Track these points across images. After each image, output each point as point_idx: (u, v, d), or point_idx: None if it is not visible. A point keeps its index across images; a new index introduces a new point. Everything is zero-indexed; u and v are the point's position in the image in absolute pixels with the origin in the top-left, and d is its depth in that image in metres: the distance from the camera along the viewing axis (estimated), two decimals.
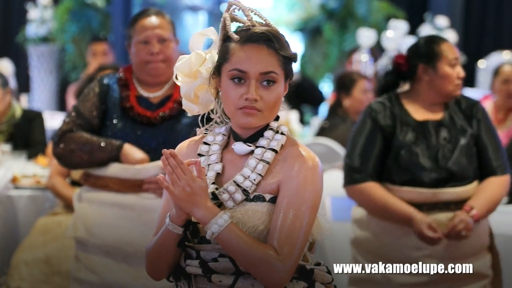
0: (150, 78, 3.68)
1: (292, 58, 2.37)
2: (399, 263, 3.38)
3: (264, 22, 2.37)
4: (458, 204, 3.67)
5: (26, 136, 6.27)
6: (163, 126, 3.62)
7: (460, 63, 3.79)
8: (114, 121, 3.64)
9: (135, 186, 3.59)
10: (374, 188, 3.68)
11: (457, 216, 3.60)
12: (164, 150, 2.28)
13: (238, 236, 2.25)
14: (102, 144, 3.59)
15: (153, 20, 3.67)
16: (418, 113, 3.74)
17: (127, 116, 3.64)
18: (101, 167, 3.63)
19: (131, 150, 3.59)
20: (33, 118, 6.36)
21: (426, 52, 3.75)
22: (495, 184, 3.71)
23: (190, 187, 2.26)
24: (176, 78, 2.45)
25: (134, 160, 3.58)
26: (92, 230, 3.63)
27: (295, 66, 2.42)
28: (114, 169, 3.60)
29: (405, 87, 3.86)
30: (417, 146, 3.67)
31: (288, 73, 2.37)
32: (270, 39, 2.32)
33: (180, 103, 3.28)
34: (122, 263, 3.60)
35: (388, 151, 3.71)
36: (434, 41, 3.81)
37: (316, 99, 9.38)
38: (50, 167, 5.25)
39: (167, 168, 2.27)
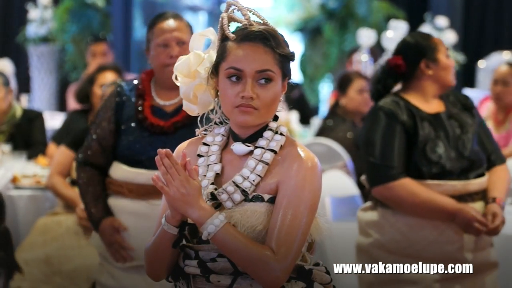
0: (169, 81, 3.68)
1: (290, 56, 2.37)
2: (431, 260, 3.41)
3: (262, 22, 2.37)
4: (479, 194, 3.72)
5: (26, 136, 6.26)
6: (177, 135, 3.59)
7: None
8: (129, 131, 3.63)
9: (148, 193, 3.58)
10: (413, 183, 3.64)
11: (497, 215, 3.63)
12: (159, 150, 2.28)
13: (234, 236, 2.25)
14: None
15: (171, 23, 3.65)
16: (426, 107, 3.76)
17: (142, 126, 3.64)
18: None
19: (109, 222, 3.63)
20: (33, 118, 6.35)
21: (426, 47, 3.78)
22: (505, 173, 3.80)
23: (184, 188, 2.26)
24: (176, 78, 2.46)
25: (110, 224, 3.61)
26: None
27: (294, 66, 2.42)
28: (128, 174, 3.60)
29: (396, 87, 3.87)
30: (439, 138, 3.69)
31: (285, 72, 2.37)
32: (266, 38, 2.32)
33: None
34: (141, 270, 3.60)
35: (410, 147, 3.71)
36: (426, 36, 3.88)
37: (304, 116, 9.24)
38: (50, 167, 5.25)
39: (162, 168, 2.27)
